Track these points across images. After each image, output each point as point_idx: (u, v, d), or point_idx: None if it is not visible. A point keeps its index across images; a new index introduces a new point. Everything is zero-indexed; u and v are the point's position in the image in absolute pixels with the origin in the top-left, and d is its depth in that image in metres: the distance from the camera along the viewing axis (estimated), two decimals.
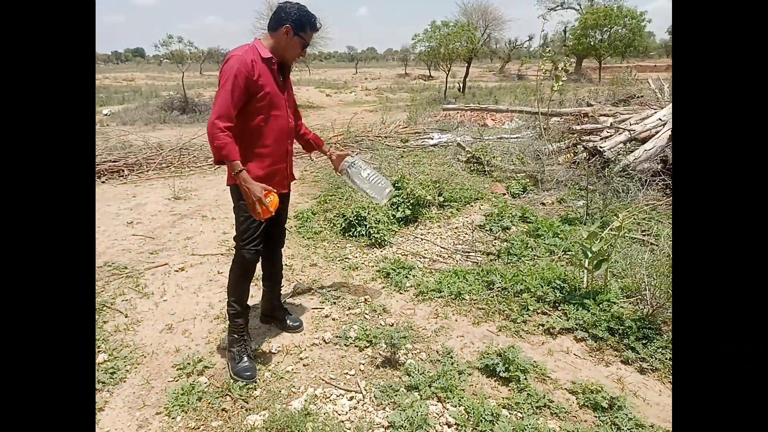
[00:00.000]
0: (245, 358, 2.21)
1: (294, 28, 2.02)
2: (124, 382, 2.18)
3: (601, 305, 2.57)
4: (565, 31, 36.51)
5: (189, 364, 2.26)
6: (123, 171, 6.28)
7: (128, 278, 3.17)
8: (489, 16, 28.87)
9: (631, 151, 5.05)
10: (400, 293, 2.97)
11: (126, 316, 2.71)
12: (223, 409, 1.98)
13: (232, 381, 2.13)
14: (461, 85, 21.19)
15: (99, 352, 2.36)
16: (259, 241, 2.17)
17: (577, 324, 2.51)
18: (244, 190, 1.95)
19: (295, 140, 2.34)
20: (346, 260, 3.46)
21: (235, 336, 2.25)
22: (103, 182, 5.88)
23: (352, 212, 3.95)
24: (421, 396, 2.01)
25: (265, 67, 2.02)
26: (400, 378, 2.16)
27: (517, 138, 7.28)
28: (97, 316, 2.67)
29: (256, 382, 2.14)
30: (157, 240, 3.86)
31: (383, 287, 3.06)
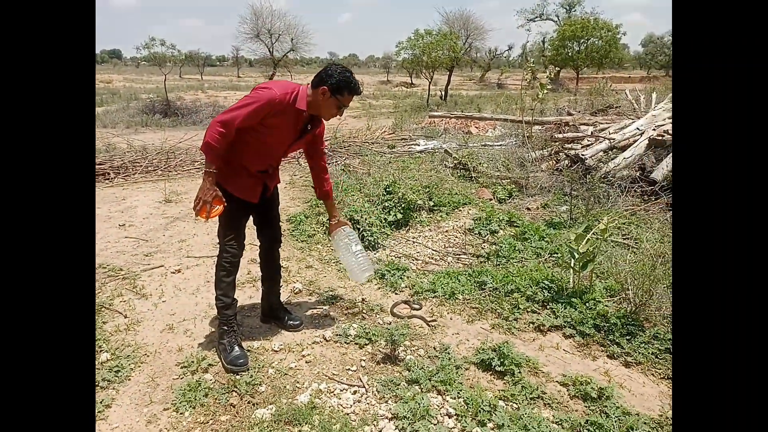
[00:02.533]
0: (236, 348, 2.30)
1: (331, 90, 2.15)
2: (129, 380, 2.21)
3: (587, 304, 2.72)
4: (543, 42, 37.48)
5: (193, 362, 2.30)
6: (109, 174, 6.21)
7: (125, 280, 3.18)
8: (471, 25, 29.41)
9: (611, 159, 5.28)
10: (396, 294, 3.07)
11: (125, 317, 2.73)
12: (230, 404, 2.04)
13: (235, 376, 2.19)
14: (443, 92, 21.52)
15: (101, 351, 2.38)
16: (241, 237, 2.36)
17: (565, 321, 2.65)
18: (204, 186, 2.11)
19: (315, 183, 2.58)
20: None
21: (225, 328, 2.35)
22: None
23: (345, 216, 4.03)
24: (422, 389, 2.11)
25: (292, 114, 2.17)
26: (400, 373, 2.25)
27: (501, 145, 7.49)
28: (96, 317, 2.69)
29: (249, 370, 2.24)
30: (151, 242, 3.87)
31: (379, 288, 3.15)
